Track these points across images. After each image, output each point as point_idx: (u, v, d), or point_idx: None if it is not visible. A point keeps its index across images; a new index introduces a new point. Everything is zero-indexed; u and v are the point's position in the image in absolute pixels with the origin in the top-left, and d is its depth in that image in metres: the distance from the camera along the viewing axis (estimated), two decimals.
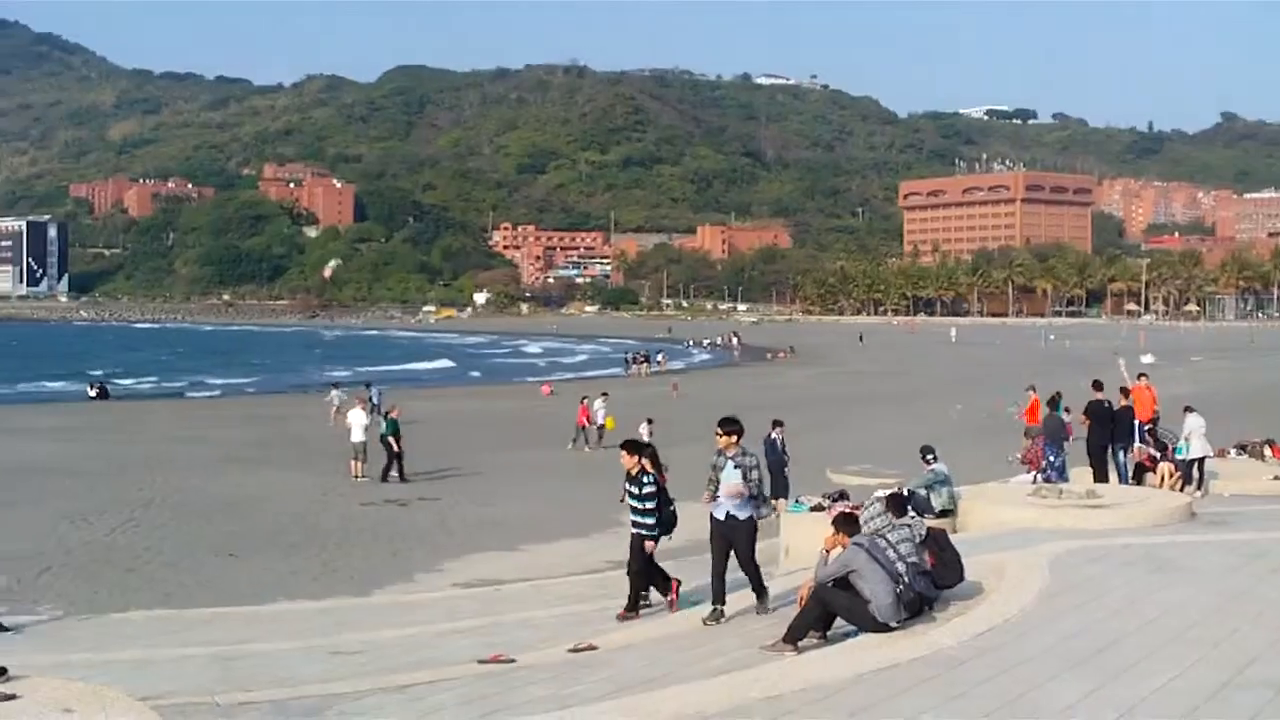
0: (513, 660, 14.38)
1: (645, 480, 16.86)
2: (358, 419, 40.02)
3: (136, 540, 28.47)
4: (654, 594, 17.68)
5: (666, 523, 17.21)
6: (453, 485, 37.60)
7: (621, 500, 17.59)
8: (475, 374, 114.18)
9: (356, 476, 38.47)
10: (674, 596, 17.30)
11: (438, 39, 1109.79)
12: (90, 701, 9.05)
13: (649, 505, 16.83)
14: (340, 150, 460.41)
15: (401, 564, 25.81)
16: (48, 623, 19.95)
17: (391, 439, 38.53)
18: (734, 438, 15.80)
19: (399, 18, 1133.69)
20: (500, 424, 60.03)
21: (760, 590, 16.16)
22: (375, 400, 55.81)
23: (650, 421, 44.72)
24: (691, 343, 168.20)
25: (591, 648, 14.93)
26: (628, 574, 17.55)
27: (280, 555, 26.49)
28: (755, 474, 15.85)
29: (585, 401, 49.48)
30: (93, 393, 79.69)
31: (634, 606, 17.26)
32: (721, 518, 15.77)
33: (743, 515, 15.75)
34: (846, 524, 14.65)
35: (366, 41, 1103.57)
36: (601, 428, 47.91)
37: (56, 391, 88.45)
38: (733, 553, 15.86)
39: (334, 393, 58.95)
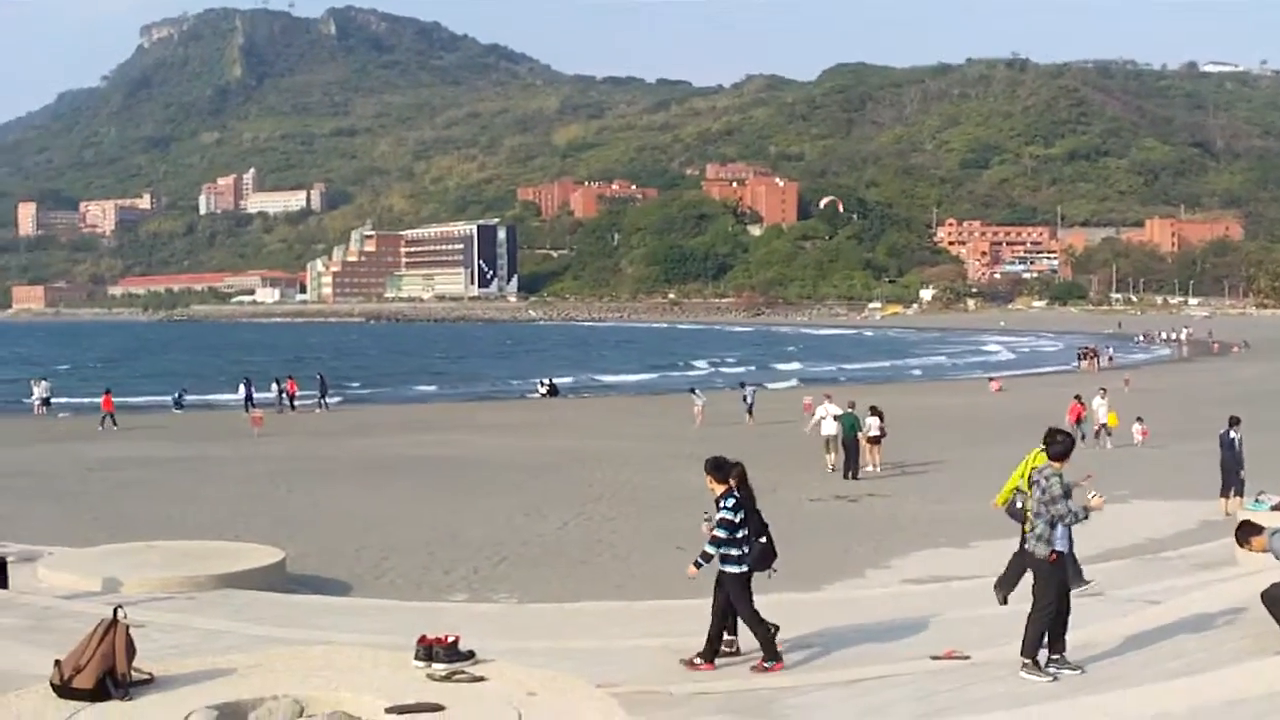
0: (967, 657, 14.15)
1: (724, 505, 14.38)
2: (827, 412, 40.45)
3: (587, 533, 29.27)
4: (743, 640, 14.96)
5: (758, 557, 14.65)
6: (903, 482, 37.32)
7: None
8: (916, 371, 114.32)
9: (832, 469, 38.86)
10: (767, 664, 14.35)
11: (877, 36, 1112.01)
12: (552, 687, 9.29)
13: (723, 534, 14.24)
14: (781, 149, 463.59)
15: (852, 560, 25.76)
16: (506, 609, 20.60)
17: (859, 436, 38.73)
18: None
19: (837, 16, 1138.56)
20: (950, 420, 59.39)
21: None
22: (749, 400, 58.16)
23: (1141, 420, 44.30)
24: (1142, 338, 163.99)
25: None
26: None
27: None
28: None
29: (1078, 399, 48.09)
30: (543, 390, 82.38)
31: (711, 655, 14.62)
32: (1065, 550, 13.50)
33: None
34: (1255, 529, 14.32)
35: (805, 40, 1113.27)
36: (1104, 425, 46.53)
37: (512, 389, 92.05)
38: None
39: (696, 393, 59.66)
